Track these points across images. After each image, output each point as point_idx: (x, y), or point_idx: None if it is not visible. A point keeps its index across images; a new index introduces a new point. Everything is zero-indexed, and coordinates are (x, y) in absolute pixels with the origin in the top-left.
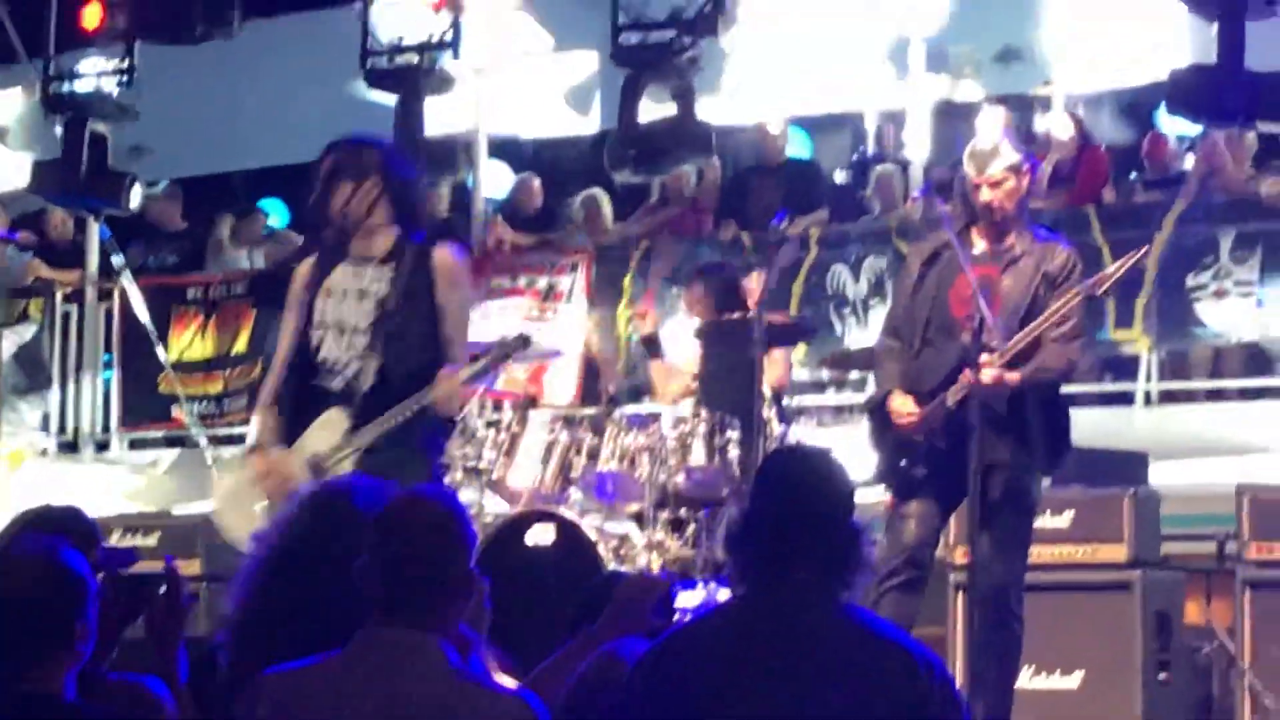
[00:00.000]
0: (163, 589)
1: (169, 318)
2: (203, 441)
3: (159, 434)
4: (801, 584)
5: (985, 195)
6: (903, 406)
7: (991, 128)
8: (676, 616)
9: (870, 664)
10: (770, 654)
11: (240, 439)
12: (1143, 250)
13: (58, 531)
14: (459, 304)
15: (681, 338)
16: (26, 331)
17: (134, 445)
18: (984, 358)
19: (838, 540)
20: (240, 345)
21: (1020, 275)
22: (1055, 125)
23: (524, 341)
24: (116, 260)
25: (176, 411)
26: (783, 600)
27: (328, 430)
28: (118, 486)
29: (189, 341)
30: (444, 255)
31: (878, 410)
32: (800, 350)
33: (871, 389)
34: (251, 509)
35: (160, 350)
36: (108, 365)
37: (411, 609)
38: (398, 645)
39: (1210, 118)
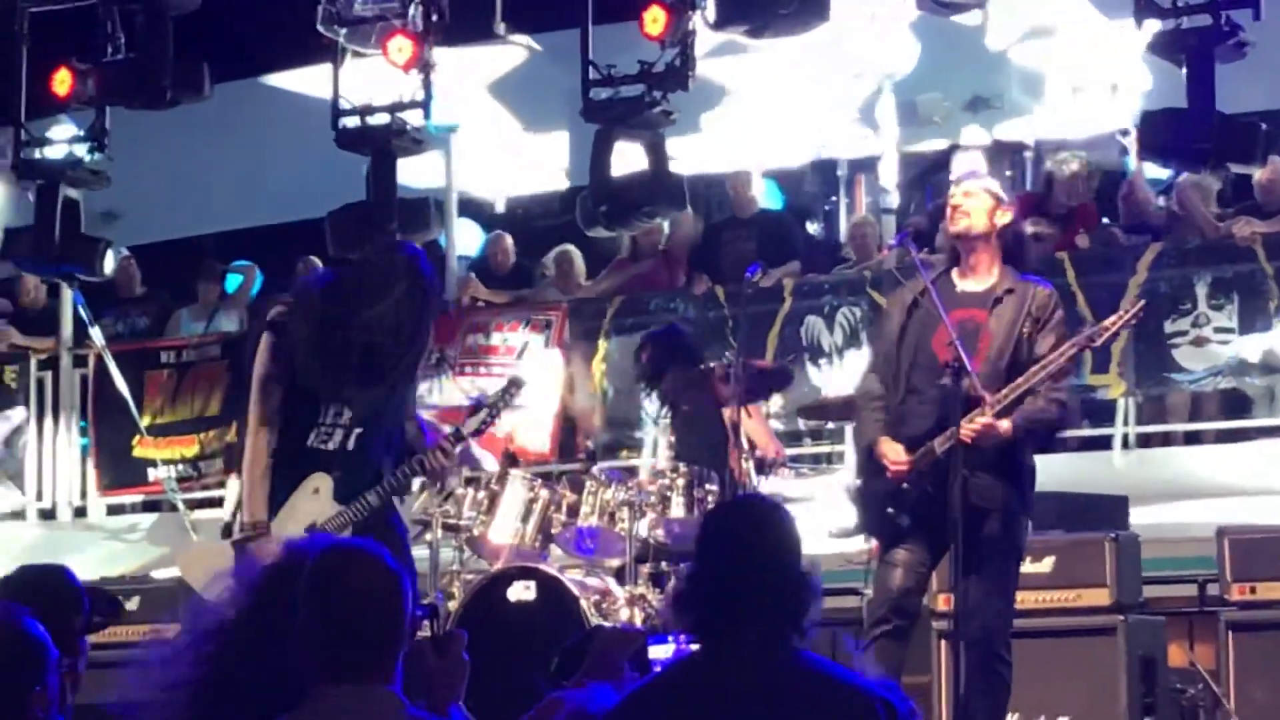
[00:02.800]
0: None
1: (142, 382)
2: (180, 505)
3: (137, 498)
4: (753, 636)
5: (956, 200)
6: (893, 453)
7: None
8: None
9: (827, 711)
10: (728, 707)
11: (218, 501)
12: (1141, 304)
13: (35, 594)
14: (423, 361)
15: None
16: (16, 416)
17: (112, 510)
18: (978, 409)
19: (785, 589)
20: (214, 408)
21: (1003, 317)
22: (1065, 165)
23: (516, 385)
24: (93, 330)
25: (153, 475)
26: (736, 653)
27: (319, 497)
28: (97, 551)
29: (162, 405)
30: None
31: (865, 458)
32: (776, 401)
33: (848, 438)
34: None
35: (136, 415)
36: (84, 431)
37: (351, 661)
38: (352, 699)
39: (1181, 161)
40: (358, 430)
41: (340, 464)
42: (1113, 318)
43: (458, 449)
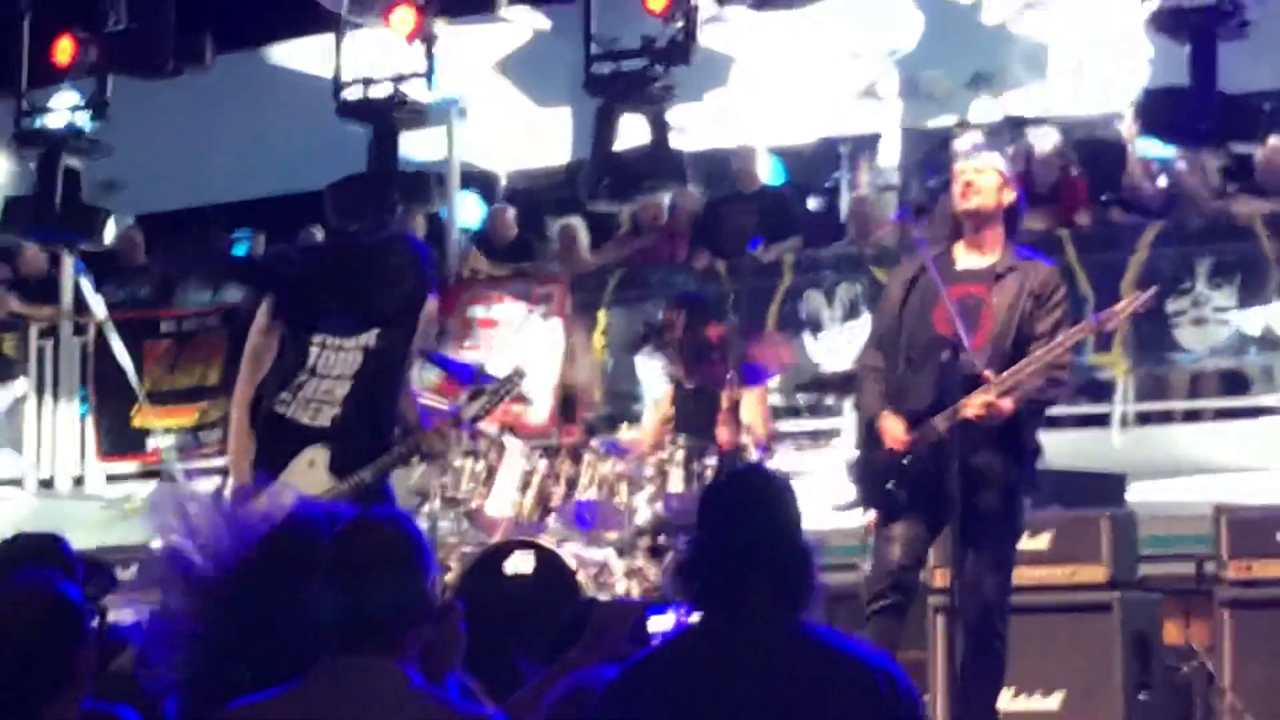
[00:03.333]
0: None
1: (141, 351)
2: (179, 474)
3: (135, 467)
4: (756, 607)
5: (968, 175)
6: (894, 428)
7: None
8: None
9: (830, 682)
10: (731, 678)
11: (217, 470)
12: (1152, 290)
13: (29, 563)
14: (422, 342)
15: (653, 368)
16: (17, 388)
17: (111, 479)
18: (983, 384)
19: (788, 560)
20: (213, 378)
21: (1005, 293)
22: (1040, 141)
23: (519, 375)
24: (95, 298)
25: (152, 445)
26: (739, 624)
27: (314, 470)
28: (95, 520)
29: (161, 374)
30: (431, 304)
31: (866, 431)
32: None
33: (848, 413)
34: None
35: (136, 384)
36: (84, 400)
37: (369, 634)
38: (357, 671)
39: (1183, 139)
40: (352, 404)
41: (334, 438)
42: (1122, 303)
43: (453, 433)
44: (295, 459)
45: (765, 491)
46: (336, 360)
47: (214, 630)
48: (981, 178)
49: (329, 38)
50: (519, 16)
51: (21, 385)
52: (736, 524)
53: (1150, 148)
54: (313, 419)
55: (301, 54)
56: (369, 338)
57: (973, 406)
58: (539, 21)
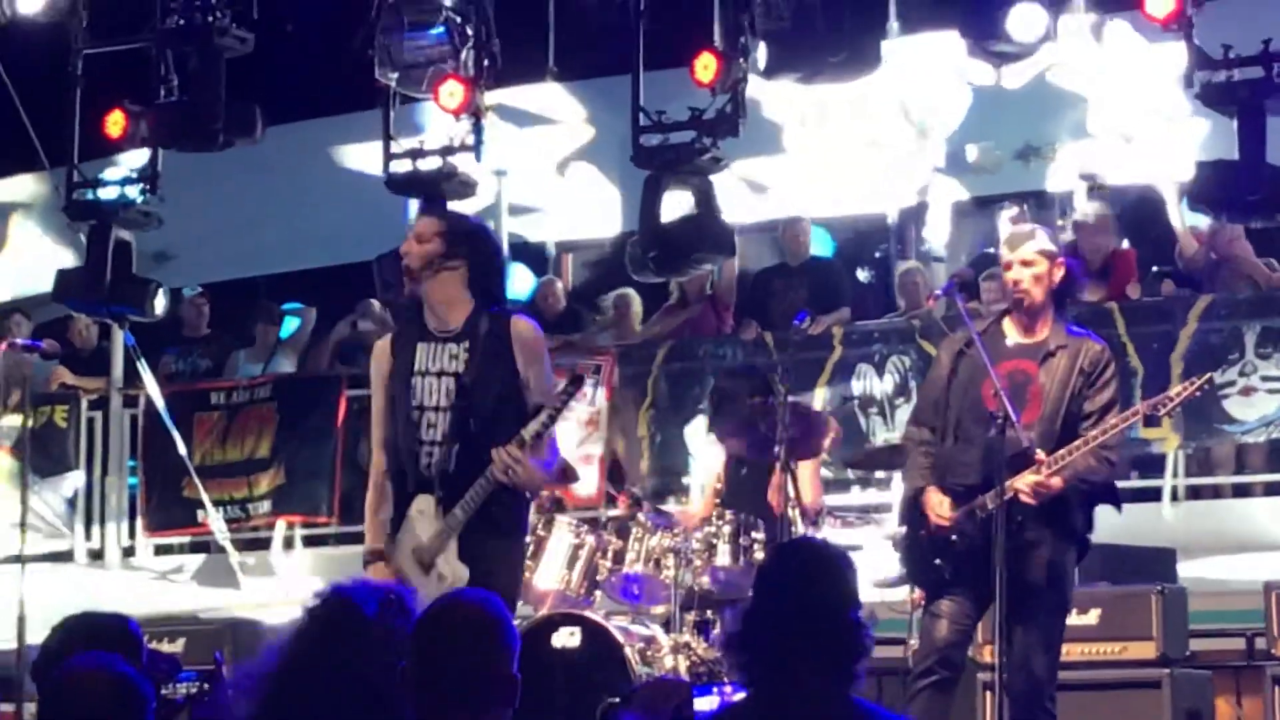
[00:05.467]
0: (205, 685)
1: (192, 423)
2: (228, 546)
3: (184, 539)
4: (807, 680)
5: (1015, 273)
6: (940, 505)
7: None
8: None
9: None
10: None
11: (266, 543)
12: (1206, 377)
13: (105, 641)
14: (540, 374)
15: (704, 441)
16: (72, 480)
17: (159, 551)
18: (1034, 467)
19: (841, 635)
20: (264, 449)
21: (1056, 372)
22: (1090, 213)
23: (576, 383)
24: (149, 376)
25: (202, 517)
26: (789, 698)
27: (424, 518)
28: (144, 592)
29: (212, 446)
30: (522, 326)
31: (910, 506)
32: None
33: (895, 486)
34: None
35: (185, 456)
36: (133, 472)
37: (449, 714)
38: None
39: (1233, 213)
40: (455, 448)
41: (443, 485)
42: (1176, 389)
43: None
44: (409, 511)
45: (820, 565)
46: (430, 390)
47: (270, 705)
48: (1029, 271)
49: (378, 109)
50: (567, 102)
51: (77, 478)
52: (789, 596)
53: (1194, 217)
54: (428, 464)
55: (351, 126)
56: (453, 359)
57: (1023, 487)
58: (583, 110)
